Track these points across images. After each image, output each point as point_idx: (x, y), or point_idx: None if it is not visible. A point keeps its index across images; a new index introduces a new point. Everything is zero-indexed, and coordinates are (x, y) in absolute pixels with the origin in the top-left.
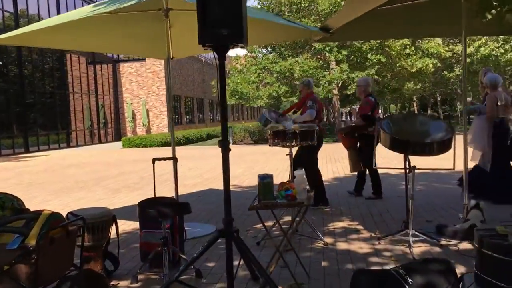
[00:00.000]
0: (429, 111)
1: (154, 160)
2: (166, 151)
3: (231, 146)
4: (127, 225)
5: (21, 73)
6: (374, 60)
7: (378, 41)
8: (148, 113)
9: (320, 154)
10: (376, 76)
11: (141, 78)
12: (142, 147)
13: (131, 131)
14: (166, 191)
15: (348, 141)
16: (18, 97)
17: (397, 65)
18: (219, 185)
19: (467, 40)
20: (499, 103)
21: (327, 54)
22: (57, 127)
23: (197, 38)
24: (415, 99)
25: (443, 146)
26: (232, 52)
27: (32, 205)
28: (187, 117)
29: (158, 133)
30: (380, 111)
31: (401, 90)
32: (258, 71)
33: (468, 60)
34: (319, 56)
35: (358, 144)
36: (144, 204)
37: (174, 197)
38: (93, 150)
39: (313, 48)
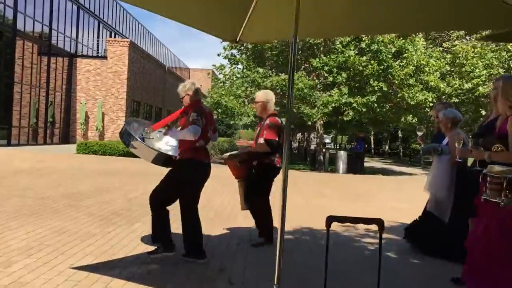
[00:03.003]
0: (386, 147)
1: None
2: (133, 163)
3: None
4: None
5: None
6: (376, 88)
7: (381, 67)
8: (104, 116)
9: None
10: (375, 105)
11: (100, 77)
12: (100, 154)
13: (81, 135)
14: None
15: (244, 171)
16: None
17: (398, 95)
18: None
19: (464, 77)
20: (456, 145)
21: (325, 75)
22: None
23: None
24: (373, 132)
25: None
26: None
27: None
28: None
29: (119, 140)
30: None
31: (397, 123)
32: (246, 84)
33: (458, 99)
34: (313, 75)
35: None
36: None
37: None
38: (39, 152)
39: (304, 65)
